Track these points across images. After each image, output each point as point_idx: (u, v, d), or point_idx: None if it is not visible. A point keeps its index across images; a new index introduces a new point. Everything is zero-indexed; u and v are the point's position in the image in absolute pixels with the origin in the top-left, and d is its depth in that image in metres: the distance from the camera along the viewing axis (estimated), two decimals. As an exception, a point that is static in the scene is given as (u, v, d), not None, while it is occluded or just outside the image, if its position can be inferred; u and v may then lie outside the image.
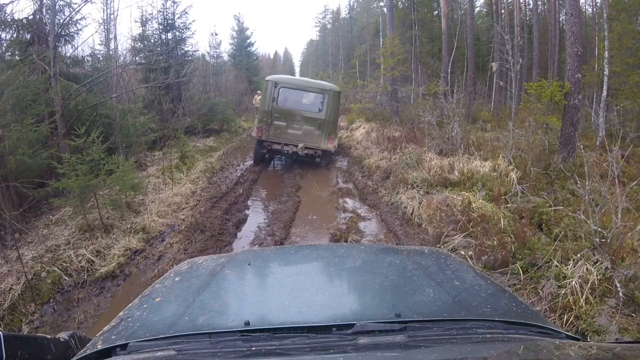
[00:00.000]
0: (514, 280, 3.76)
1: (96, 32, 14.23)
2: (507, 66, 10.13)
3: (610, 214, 3.78)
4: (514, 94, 8.44)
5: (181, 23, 14.00)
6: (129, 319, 1.20)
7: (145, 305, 1.28)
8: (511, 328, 1.05)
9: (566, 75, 7.34)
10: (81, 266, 4.67)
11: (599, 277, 3.28)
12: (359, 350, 0.92)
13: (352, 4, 42.65)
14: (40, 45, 7.66)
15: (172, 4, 13.62)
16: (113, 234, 5.42)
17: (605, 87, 10.98)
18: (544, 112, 7.08)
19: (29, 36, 7.86)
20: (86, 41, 16.45)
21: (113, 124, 7.81)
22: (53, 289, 4.32)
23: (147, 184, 7.17)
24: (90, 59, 10.44)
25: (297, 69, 73.11)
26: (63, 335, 1.23)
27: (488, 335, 1.00)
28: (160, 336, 1.03)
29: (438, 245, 4.80)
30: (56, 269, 4.55)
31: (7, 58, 7.60)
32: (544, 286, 3.47)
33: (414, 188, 6.28)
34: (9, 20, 7.39)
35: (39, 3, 7.88)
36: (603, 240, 3.56)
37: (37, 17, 8.06)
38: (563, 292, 3.20)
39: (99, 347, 1.05)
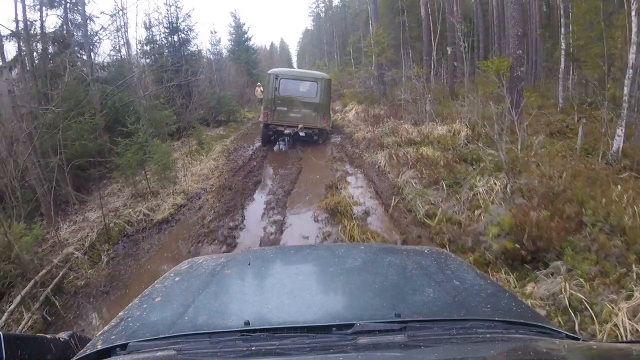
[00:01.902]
0: (442, 193, 5.40)
1: (108, 38, 15.82)
2: (461, 49, 11.75)
3: (515, 150, 5.73)
4: (465, 72, 10.75)
5: (185, 26, 14.81)
6: (129, 319, 1.19)
7: (145, 305, 1.27)
8: (511, 328, 1.06)
9: (510, 52, 8.67)
10: (140, 218, 6.09)
11: (502, 187, 4.91)
12: (359, 350, 0.93)
13: (343, -9, 46.22)
14: (67, 54, 8.77)
15: (176, 9, 14.43)
16: (160, 197, 6.87)
17: (562, 60, 11.86)
18: (497, 85, 8.14)
19: (55, 47, 9.33)
20: (103, 48, 18.24)
21: (141, 117, 8.67)
22: (120, 234, 5.66)
23: (176, 164, 8.49)
24: (112, 64, 11.61)
25: (294, 59, 70.59)
26: (63, 335, 1.23)
27: (488, 335, 1.01)
28: (160, 336, 1.04)
29: (396, 181, 6.44)
30: (120, 221, 5.94)
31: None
32: (462, 194, 5.16)
33: (387, 149, 8.14)
34: (39, 33, 8.49)
35: (63, 19, 9.16)
36: (507, 165, 5.26)
37: (65, 31, 9.30)
38: (472, 195, 4.90)
39: (99, 347, 1.05)
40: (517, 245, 3.46)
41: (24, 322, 3.82)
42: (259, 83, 21.32)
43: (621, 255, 3.17)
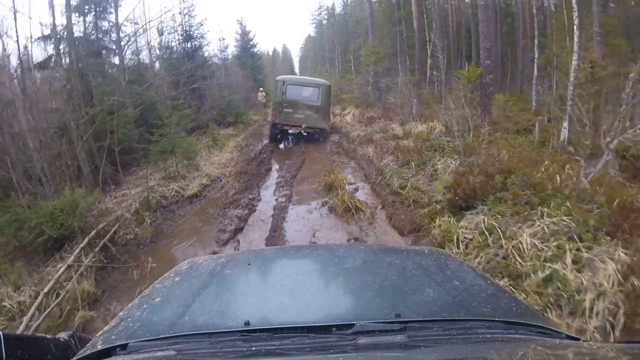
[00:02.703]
0: (411, 171, 6.65)
1: (127, 44, 17.18)
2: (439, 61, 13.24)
3: (470, 139, 6.90)
4: (442, 79, 12.21)
5: (198, 34, 15.68)
6: (129, 319, 1.18)
7: (145, 306, 1.26)
8: (511, 328, 1.06)
9: (481, 62, 9.98)
10: (172, 194, 7.02)
11: (455, 164, 6.15)
12: (359, 350, 0.94)
13: (346, 0, 40.78)
14: (104, 57, 10.12)
15: (189, 18, 15.35)
16: (187, 179, 7.74)
17: (535, 68, 12.95)
18: (470, 90, 9.23)
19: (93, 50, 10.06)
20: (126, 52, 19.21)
21: (172, 114, 9.42)
22: (158, 205, 6.55)
23: (197, 155, 9.50)
24: (134, 67, 12.25)
25: (296, 64, 68.85)
26: (63, 335, 1.22)
27: (488, 335, 1.02)
28: (160, 336, 1.04)
29: (379, 165, 7.50)
30: (156, 195, 6.81)
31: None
32: (426, 171, 6.41)
33: (374, 143, 9.40)
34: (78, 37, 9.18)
35: (93, 24, 9.92)
36: (462, 149, 6.55)
37: (95, 37, 10.02)
38: (433, 171, 6.22)
39: (99, 347, 1.05)
40: (456, 198, 4.70)
41: (86, 262, 4.55)
42: (261, 88, 22.26)
43: (529, 202, 4.17)
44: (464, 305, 1.18)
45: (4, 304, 3.87)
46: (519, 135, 8.93)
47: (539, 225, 3.72)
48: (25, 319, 3.54)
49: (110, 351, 1.03)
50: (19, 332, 3.47)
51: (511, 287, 3.17)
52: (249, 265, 1.56)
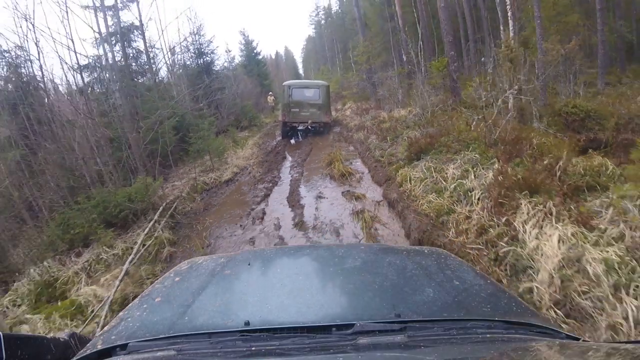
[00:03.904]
0: (388, 144, 7.84)
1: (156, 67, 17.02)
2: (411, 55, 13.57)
3: (431, 116, 8.18)
4: (422, 71, 12.38)
5: (208, 50, 17.12)
6: (129, 319, 1.17)
7: (145, 305, 1.25)
8: (511, 328, 1.06)
9: (446, 53, 10.74)
10: (211, 181, 8.05)
11: (417, 134, 7.07)
12: (359, 350, 0.93)
13: (341, -2, 35.13)
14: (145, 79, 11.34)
15: (200, 37, 16.79)
16: (220, 170, 8.77)
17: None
18: (442, 77, 11.04)
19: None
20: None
21: (194, 123, 10.66)
22: (202, 189, 7.56)
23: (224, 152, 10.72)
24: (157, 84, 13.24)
25: (299, 65, 67.00)
26: (63, 335, 1.21)
27: (488, 335, 1.02)
28: (160, 336, 1.03)
29: (367, 143, 8.65)
30: (199, 182, 7.84)
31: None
32: (398, 141, 7.54)
33: (366, 128, 10.73)
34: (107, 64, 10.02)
35: (122, 53, 11.30)
36: (424, 123, 7.80)
37: (125, 63, 11.19)
38: (401, 141, 7.33)
39: (99, 347, 1.03)
40: (411, 155, 6.12)
41: (163, 221, 5.77)
42: (270, 93, 23.21)
43: (458, 150, 5.50)
44: (464, 305, 1.13)
45: (102, 256, 5.08)
46: (484, 110, 11.05)
47: (458, 161, 5.02)
48: (128, 260, 4.72)
49: (110, 351, 0.99)
50: (124, 269, 4.38)
51: (437, 197, 4.50)
52: (249, 265, 1.51)
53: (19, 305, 4.61)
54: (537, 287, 2.60)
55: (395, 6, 16.96)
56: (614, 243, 2.61)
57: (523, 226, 3.19)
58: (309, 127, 13.60)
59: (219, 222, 5.90)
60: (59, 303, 4.31)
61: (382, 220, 4.97)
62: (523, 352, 0.95)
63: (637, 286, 2.23)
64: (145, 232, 5.43)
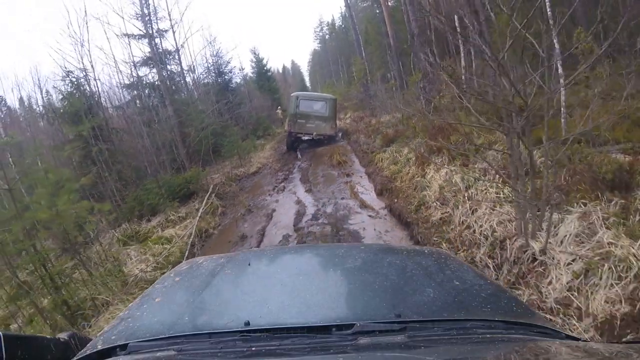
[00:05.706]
0: (373, 139, 9.39)
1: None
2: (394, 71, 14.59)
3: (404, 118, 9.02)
4: (404, 85, 13.81)
5: (227, 70, 18.81)
6: (129, 319, 1.16)
7: (145, 306, 1.26)
8: (511, 328, 1.05)
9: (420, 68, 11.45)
10: (241, 173, 9.62)
11: (392, 131, 8.40)
12: (359, 350, 0.93)
13: (343, 13, 37.05)
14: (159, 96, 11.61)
15: (218, 58, 18.47)
16: (247, 166, 10.05)
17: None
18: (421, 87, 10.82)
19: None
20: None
21: (219, 132, 11.73)
22: (235, 179, 8.90)
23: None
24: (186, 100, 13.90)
25: (306, 79, 66.91)
26: (63, 336, 1.22)
27: (488, 335, 1.01)
28: (160, 336, 1.03)
29: (358, 141, 10.00)
30: (233, 174, 9.34)
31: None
32: (378, 137, 8.73)
33: (359, 131, 12.28)
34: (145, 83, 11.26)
35: (157, 75, 12.27)
36: (398, 123, 8.92)
37: (158, 83, 12.14)
38: (381, 136, 8.62)
39: (99, 347, 1.02)
40: (383, 144, 7.63)
41: (214, 196, 6.96)
42: (279, 107, 24.23)
43: (413, 138, 6.94)
44: (464, 305, 1.12)
45: (170, 217, 6.18)
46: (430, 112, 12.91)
47: (410, 146, 6.29)
48: (200, 210, 5.90)
49: (110, 351, 0.98)
50: (200, 212, 5.63)
51: (395, 166, 5.84)
52: (249, 265, 1.51)
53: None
54: (428, 194, 4.46)
55: (387, 26, 19.41)
56: (477, 172, 4.39)
57: (428, 171, 5.20)
58: (314, 138, 13.89)
59: (252, 196, 7.27)
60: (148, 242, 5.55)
61: (361, 183, 6.79)
62: (523, 352, 0.91)
63: (477, 187, 4.21)
64: (205, 200, 6.65)
